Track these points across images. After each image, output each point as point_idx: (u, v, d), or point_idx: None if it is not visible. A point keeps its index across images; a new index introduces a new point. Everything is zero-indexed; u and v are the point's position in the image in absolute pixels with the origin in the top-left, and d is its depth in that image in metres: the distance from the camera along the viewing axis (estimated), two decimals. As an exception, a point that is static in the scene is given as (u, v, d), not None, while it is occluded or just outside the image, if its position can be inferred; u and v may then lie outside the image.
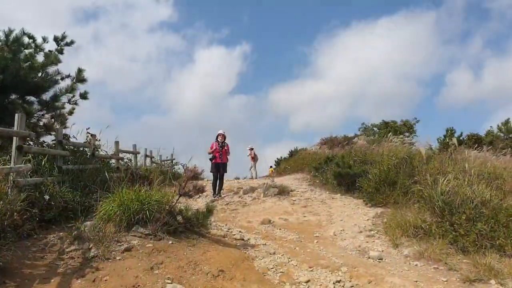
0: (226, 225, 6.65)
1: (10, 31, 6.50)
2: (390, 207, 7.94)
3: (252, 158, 18.52)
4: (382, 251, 5.22)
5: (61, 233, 4.35)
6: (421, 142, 14.11)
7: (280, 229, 6.59)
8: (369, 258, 4.94)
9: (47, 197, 4.71)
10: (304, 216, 7.67)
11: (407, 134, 19.68)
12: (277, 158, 23.50)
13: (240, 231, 6.20)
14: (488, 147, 11.80)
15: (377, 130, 24.72)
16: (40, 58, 8.28)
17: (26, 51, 7.93)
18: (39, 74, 7.73)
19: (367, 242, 5.71)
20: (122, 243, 4.19)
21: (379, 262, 4.78)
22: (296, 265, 4.57)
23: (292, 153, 21.71)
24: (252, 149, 18.70)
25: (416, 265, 4.61)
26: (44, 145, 6.33)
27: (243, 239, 5.67)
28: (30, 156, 5.41)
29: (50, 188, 4.98)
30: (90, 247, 3.97)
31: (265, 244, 5.46)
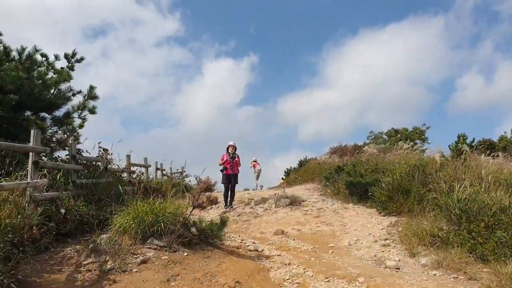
0: (239, 236, 6.63)
1: (23, 49, 6.66)
2: (404, 215, 7.86)
3: (255, 169, 18.66)
4: (399, 260, 5.14)
5: (77, 246, 4.37)
6: (432, 149, 14.04)
7: (294, 240, 6.54)
8: (386, 267, 4.87)
9: (63, 211, 4.76)
10: (318, 226, 7.61)
11: (418, 141, 19.54)
12: (287, 169, 23.35)
13: (253, 242, 6.17)
14: (503, 153, 11.63)
15: (387, 138, 24.61)
16: (51, 75, 8.46)
17: (39, 69, 8.11)
18: (52, 91, 7.87)
19: (383, 251, 5.64)
20: (138, 255, 4.20)
21: (397, 271, 4.70)
22: (312, 276, 4.52)
23: (301, 163, 21.60)
24: (255, 161, 18.91)
25: (434, 274, 4.53)
26: (58, 160, 6.40)
27: (257, 250, 5.64)
28: (46, 171, 5.49)
29: (65, 202, 5.03)
30: (106, 259, 3.98)
31: (279, 255, 5.42)
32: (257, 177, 18.89)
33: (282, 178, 21.21)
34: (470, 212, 5.25)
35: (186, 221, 5.12)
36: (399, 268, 4.80)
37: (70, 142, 6.30)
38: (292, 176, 19.65)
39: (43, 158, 6.09)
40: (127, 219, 4.62)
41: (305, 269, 4.77)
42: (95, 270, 3.83)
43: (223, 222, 5.40)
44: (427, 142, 21.22)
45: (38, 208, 4.45)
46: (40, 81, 7.21)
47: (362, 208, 9.53)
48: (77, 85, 8.98)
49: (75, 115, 8.94)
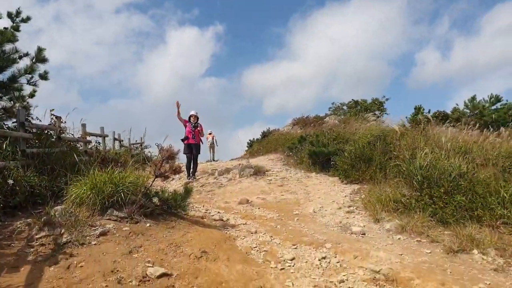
0: (203, 206, 6.49)
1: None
2: (366, 183, 8.05)
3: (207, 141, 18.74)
4: (364, 226, 5.22)
5: (28, 220, 4.03)
6: (392, 119, 14.44)
7: (259, 208, 6.50)
8: (351, 233, 4.93)
9: (11, 181, 4.36)
10: (282, 195, 7.61)
11: (377, 112, 20.05)
12: (250, 140, 23.34)
13: (218, 212, 6.06)
14: (456, 123, 12.17)
15: (347, 109, 25.08)
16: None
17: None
18: (-5, 53, 7.12)
19: (348, 218, 5.71)
20: (97, 227, 3.94)
21: (362, 237, 4.77)
22: (279, 243, 4.48)
23: (265, 134, 21.60)
24: (209, 133, 19.09)
25: (399, 238, 4.64)
26: (4, 127, 5.83)
27: (222, 220, 5.53)
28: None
29: (14, 173, 4.61)
30: (62, 232, 3.70)
31: (245, 224, 5.35)
32: (210, 149, 19.11)
33: (245, 151, 21.22)
34: (431, 178, 5.39)
35: (148, 191, 4.88)
36: (364, 234, 4.87)
37: (17, 108, 5.72)
38: (255, 147, 19.64)
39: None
40: (84, 189, 4.31)
41: (271, 236, 4.72)
42: (49, 244, 3.53)
43: (187, 192, 5.21)
44: (385, 113, 21.81)
45: (-19, 179, 4.06)
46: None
47: (324, 176, 9.66)
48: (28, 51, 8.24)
49: (24, 80, 8.22)
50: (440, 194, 5.08)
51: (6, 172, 4.54)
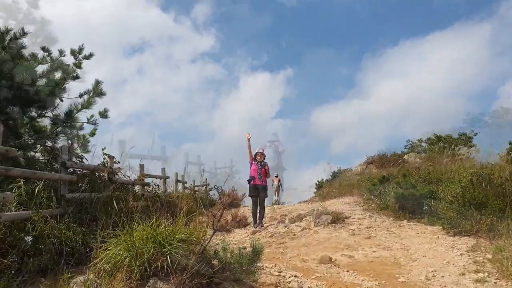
0: (275, 266, 5.09)
1: (7, 30, 5.36)
2: (482, 236, 6.18)
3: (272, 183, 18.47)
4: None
5: (48, 291, 2.97)
6: (483, 156, 12.31)
7: (347, 271, 4.94)
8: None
9: (29, 238, 3.37)
10: (374, 251, 5.96)
11: (465, 148, 17.55)
12: (318, 181, 21.61)
13: (295, 275, 4.63)
14: None
15: (426, 146, 22.54)
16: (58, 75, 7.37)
17: (41, 66, 7.01)
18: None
19: (484, 292, 3.96)
20: (130, 308, 2.75)
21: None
22: None
23: (335, 175, 19.83)
24: (276, 176, 18.97)
25: None
26: (37, 167, 5.03)
27: (302, 289, 4.10)
28: (22, 182, 4.18)
29: (39, 226, 3.66)
30: (78, 320, 2.55)
31: (335, 298, 3.86)
32: (275, 192, 18.20)
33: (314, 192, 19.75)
34: None
35: (204, 251, 3.65)
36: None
37: (59, 145, 4.95)
38: (325, 189, 17.93)
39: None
40: (119, 251, 3.19)
41: (380, 324, 3.18)
42: None
43: (256, 252, 3.87)
44: (475, 150, 19.01)
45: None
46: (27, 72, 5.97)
47: (420, 225, 7.81)
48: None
49: (84, 119, 7.75)
50: None
51: (29, 225, 3.59)
